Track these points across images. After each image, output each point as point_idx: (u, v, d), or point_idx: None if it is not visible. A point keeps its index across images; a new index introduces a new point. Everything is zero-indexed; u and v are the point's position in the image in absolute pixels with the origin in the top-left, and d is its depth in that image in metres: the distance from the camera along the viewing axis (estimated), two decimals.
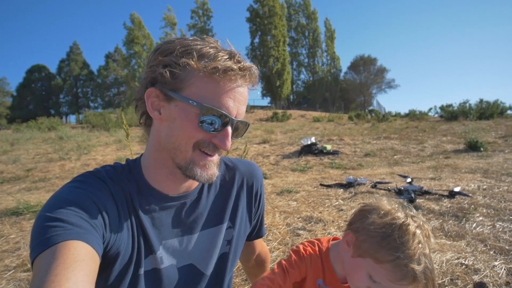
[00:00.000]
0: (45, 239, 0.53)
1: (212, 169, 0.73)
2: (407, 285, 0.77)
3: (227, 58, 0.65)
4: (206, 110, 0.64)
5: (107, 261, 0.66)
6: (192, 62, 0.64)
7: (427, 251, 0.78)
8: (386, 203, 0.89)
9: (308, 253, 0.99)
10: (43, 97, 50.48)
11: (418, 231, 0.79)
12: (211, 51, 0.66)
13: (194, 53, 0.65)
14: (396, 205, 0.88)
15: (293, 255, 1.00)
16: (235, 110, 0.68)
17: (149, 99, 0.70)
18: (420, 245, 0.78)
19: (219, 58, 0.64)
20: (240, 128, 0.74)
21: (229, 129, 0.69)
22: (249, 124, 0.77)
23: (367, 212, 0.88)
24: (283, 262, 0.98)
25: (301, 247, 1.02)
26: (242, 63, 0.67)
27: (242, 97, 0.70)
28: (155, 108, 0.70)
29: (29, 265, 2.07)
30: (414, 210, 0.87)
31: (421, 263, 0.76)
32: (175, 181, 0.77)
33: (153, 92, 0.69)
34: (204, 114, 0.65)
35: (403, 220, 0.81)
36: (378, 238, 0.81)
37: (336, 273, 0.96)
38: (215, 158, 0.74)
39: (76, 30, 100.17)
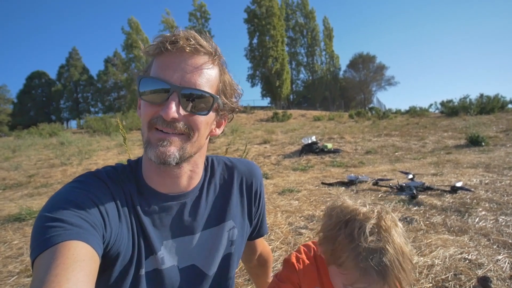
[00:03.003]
0: (45, 240, 0.53)
1: (164, 147, 0.67)
2: (375, 282, 0.70)
3: (164, 37, 0.68)
4: (145, 80, 0.68)
5: (107, 261, 0.65)
6: (142, 50, 0.70)
7: (389, 243, 0.71)
8: (340, 202, 0.82)
9: (301, 264, 0.93)
10: (43, 103, 50.67)
11: (369, 225, 0.72)
12: (155, 38, 0.69)
13: (145, 45, 0.70)
14: (348, 201, 0.82)
15: (284, 268, 0.96)
16: (177, 78, 0.66)
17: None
18: (374, 238, 0.71)
19: (157, 39, 0.68)
20: (199, 101, 0.69)
21: (172, 97, 0.66)
22: (213, 96, 0.70)
23: (324, 214, 0.86)
24: (276, 277, 0.95)
25: (293, 257, 0.96)
26: (175, 36, 0.67)
27: (188, 65, 0.67)
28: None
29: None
30: (380, 207, 0.79)
31: (382, 255, 0.69)
32: (163, 176, 0.75)
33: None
34: (143, 84, 0.68)
35: (350, 216, 0.76)
36: (331, 241, 0.77)
37: None
38: (172, 137, 0.68)
39: (75, 36, 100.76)
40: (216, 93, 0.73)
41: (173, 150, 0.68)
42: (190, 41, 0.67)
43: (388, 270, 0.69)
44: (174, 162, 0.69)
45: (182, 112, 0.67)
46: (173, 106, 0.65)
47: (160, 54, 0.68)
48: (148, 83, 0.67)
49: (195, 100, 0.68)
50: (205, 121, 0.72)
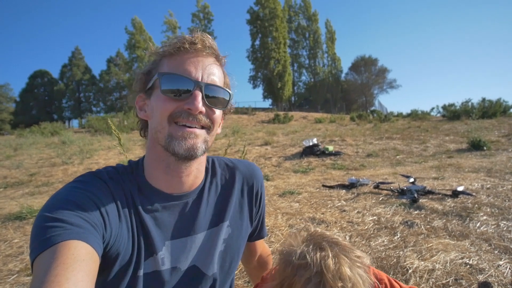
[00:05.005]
0: (45, 239, 0.53)
1: (192, 139, 0.70)
2: None
3: (183, 37, 0.71)
4: (167, 77, 0.70)
5: (106, 261, 0.65)
6: (153, 51, 0.73)
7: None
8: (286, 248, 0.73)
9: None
10: (45, 102, 50.83)
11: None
12: (173, 39, 0.73)
13: (155, 46, 0.75)
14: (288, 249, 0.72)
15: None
16: (199, 74, 0.71)
17: (137, 104, 0.78)
18: None
19: (174, 40, 0.72)
20: (218, 96, 0.75)
21: (198, 91, 0.70)
22: (229, 93, 0.77)
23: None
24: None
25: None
26: (194, 38, 0.71)
27: (205, 64, 0.73)
28: (141, 109, 0.78)
29: None
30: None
31: None
32: (172, 175, 0.76)
33: (138, 97, 0.78)
34: (166, 81, 0.70)
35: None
36: None
37: None
38: (197, 130, 0.72)
39: (78, 35, 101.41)
40: None
41: (200, 143, 0.72)
42: (206, 43, 0.72)
43: None
44: (200, 154, 0.73)
45: (204, 106, 0.72)
46: (200, 100, 0.69)
47: (177, 53, 0.71)
48: (170, 80, 0.70)
49: (215, 96, 0.74)
50: (220, 116, 0.79)
